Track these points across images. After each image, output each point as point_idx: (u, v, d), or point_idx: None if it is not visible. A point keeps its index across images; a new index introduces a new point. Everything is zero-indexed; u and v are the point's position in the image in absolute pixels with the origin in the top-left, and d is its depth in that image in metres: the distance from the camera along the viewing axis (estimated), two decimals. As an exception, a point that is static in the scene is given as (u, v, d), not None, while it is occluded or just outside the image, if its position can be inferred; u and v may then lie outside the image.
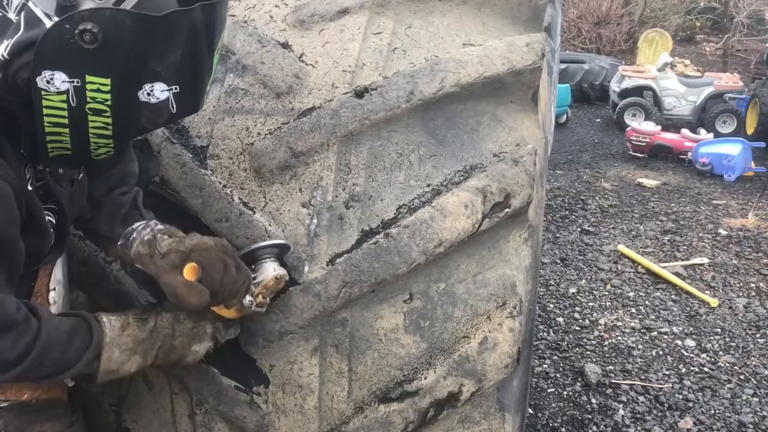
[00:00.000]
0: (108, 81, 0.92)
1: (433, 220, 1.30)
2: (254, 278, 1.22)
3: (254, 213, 1.34)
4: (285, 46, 1.48)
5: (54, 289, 1.24)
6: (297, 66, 1.43)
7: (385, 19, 1.53)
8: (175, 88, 0.97)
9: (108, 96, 0.93)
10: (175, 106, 0.99)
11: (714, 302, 4.15)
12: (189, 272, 1.14)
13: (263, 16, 1.56)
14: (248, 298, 1.20)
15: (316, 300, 1.26)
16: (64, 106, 0.93)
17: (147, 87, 0.95)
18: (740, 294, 4.34)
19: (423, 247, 1.28)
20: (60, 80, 0.90)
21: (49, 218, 1.12)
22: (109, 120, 0.96)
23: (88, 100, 0.93)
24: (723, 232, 5.46)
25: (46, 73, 0.90)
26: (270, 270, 1.23)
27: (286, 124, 1.37)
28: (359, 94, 1.37)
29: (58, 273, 1.26)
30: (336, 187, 1.33)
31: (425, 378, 1.29)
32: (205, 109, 1.45)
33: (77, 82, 0.91)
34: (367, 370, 1.28)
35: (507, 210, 1.37)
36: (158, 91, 0.96)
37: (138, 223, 1.26)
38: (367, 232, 1.30)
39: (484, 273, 1.36)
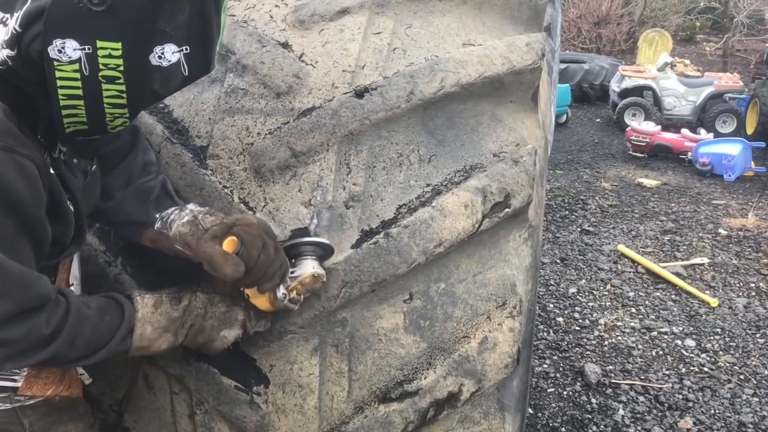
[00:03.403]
0: (119, 45, 0.92)
1: (433, 220, 1.30)
2: (292, 272, 1.22)
3: (254, 213, 1.34)
4: (285, 46, 1.48)
5: (72, 284, 1.25)
6: (297, 66, 1.43)
7: (385, 19, 1.53)
8: (186, 49, 0.97)
9: (120, 61, 0.93)
10: (186, 68, 0.99)
11: (714, 302, 4.15)
12: (228, 244, 1.14)
13: (263, 16, 1.56)
14: (282, 290, 1.19)
15: (316, 300, 1.26)
16: (77, 75, 0.92)
17: (158, 50, 0.95)
18: (740, 294, 4.34)
19: (423, 247, 1.28)
20: (71, 48, 0.90)
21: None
22: (123, 87, 0.96)
23: (101, 67, 0.92)
24: (723, 232, 5.46)
25: (57, 42, 0.89)
26: (309, 267, 1.22)
27: (286, 124, 1.37)
28: (359, 94, 1.37)
29: (75, 269, 1.27)
30: (336, 187, 1.33)
31: (425, 378, 1.29)
32: (205, 109, 1.45)
33: (88, 48, 0.91)
34: (367, 370, 1.28)
35: (507, 210, 1.37)
36: (169, 53, 0.96)
37: (174, 207, 1.26)
38: (367, 232, 1.30)
39: (484, 273, 1.36)
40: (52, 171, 1.05)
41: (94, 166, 1.21)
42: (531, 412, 3.03)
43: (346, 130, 1.35)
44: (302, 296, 1.23)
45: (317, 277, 1.22)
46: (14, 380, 1.13)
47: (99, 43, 0.91)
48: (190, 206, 1.24)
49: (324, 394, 1.28)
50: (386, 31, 1.50)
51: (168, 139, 1.43)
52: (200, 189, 1.37)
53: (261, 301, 1.21)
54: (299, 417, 1.28)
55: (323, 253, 1.26)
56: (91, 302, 1.08)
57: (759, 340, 3.76)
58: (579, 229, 5.52)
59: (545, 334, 3.79)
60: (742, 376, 3.38)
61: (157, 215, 1.25)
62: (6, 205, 0.93)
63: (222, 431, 1.33)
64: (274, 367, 1.29)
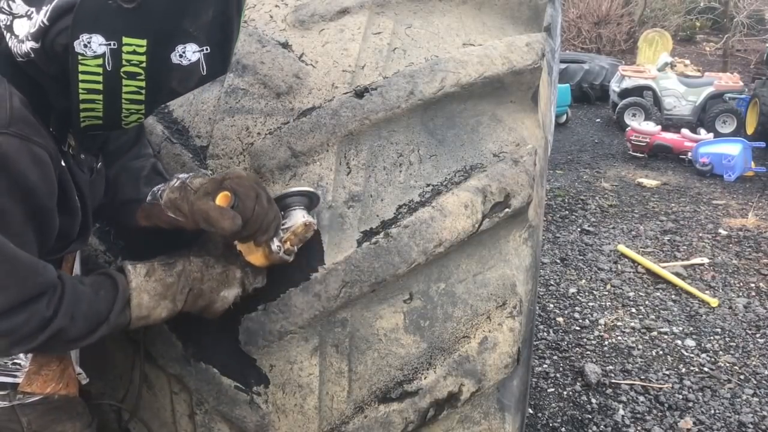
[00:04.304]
0: (144, 42, 0.94)
1: (433, 220, 1.30)
2: (283, 224, 1.22)
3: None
4: (285, 46, 1.48)
5: (77, 276, 1.25)
6: (297, 66, 1.43)
7: (385, 19, 1.53)
8: (206, 49, 0.99)
9: (143, 58, 0.95)
10: (205, 67, 1.01)
11: (714, 302, 4.15)
12: (222, 200, 1.14)
13: (263, 16, 1.56)
14: (276, 242, 1.19)
15: (316, 300, 1.26)
16: (100, 70, 0.94)
17: (180, 48, 0.97)
18: (740, 294, 4.34)
19: (423, 247, 1.28)
20: (97, 43, 0.92)
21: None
22: (143, 84, 0.98)
23: (124, 63, 0.94)
24: (723, 232, 5.46)
25: (84, 37, 0.91)
26: (299, 216, 1.22)
27: (286, 124, 1.37)
28: (359, 94, 1.37)
29: (77, 267, 1.28)
30: (336, 187, 1.33)
31: (425, 378, 1.29)
32: (205, 109, 1.45)
33: (114, 44, 0.93)
34: (367, 370, 1.28)
35: (507, 210, 1.37)
36: (190, 53, 0.98)
37: (164, 183, 1.26)
38: (367, 232, 1.30)
39: (484, 273, 1.36)
40: (63, 163, 1.06)
41: (100, 163, 1.22)
42: (531, 412, 3.03)
43: (346, 130, 1.35)
44: (296, 247, 1.23)
45: (308, 225, 1.22)
46: (15, 376, 1.13)
47: (125, 40, 0.93)
48: (177, 174, 1.25)
49: (324, 394, 1.28)
50: (386, 31, 1.50)
51: (168, 139, 1.43)
52: (200, 189, 1.37)
53: (256, 257, 1.21)
54: (299, 417, 1.28)
55: (309, 202, 1.26)
56: (84, 280, 1.09)
57: (759, 340, 3.76)
58: (579, 229, 5.52)
59: (545, 334, 3.79)
60: (742, 376, 3.38)
61: (148, 191, 1.26)
62: (18, 192, 0.94)
63: (222, 431, 1.33)
64: (274, 367, 1.29)
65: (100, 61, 0.93)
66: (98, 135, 1.18)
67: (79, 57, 0.93)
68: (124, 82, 0.97)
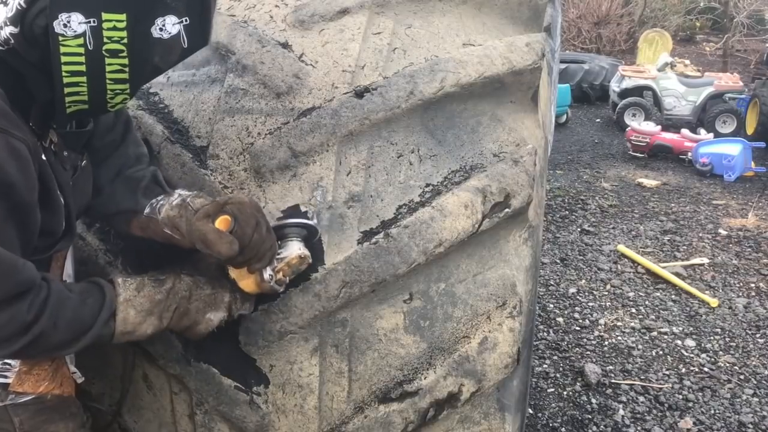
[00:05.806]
0: (123, 17, 0.93)
1: (433, 220, 1.30)
2: (279, 254, 1.21)
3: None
4: (285, 46, 1.48)
5: (65, 282, 1.23)
6: (297, 66, 1.43)
7: (385, 19, 1.53)
8: (186, 20, 0.99)
9: (123, 33, 0.94)
10: (186, 40, 1.01)
11: (714, 302, 4.15)
12: (221, 223, 1.13)
13: (263, 16, 1.56)
14: (269, 271, 1.18)
15: (316, 300, 1.26)
16: (82, 50, 0.94)
17: (159, 21, 0.97)
18: (740, 294, 4.34)
19: (423, 247, 1.28)
20: (77, 22, 0.91)
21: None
22: (126, 61, 0.97)
23: (105, 40, 0.94)
24: (723, 232, 5.46)
25: (63, 16, 0.91)
26: (295, 248, 1.21)
27: (286, 124, 1.37)
28: (359, 94, 1.37)
29: (69, 267, 1.26)
30: (336, 187, 1.33)
31: (425, 378, 1.29)
32: (205, 109, 1.45)
33: (93, 21, 0.92)
34: (367, 370, 1.28)
35: (507, 210, 1.37)
36: (170, 25, 0.98)
37: (163, 195, 1.25)
38: (367, 232, 1.30)
39: (484, 273, 1.36)
40: (43, 157, 1.04)
41: (84, 161, 1.20)
42: (531, 412, 3.03)
43: (346, 130, 1.35)
44: (287, 278, 1.22)
45: (303, 258, 1.21)
46: (5, 376, 1.12)
47: (104, 15, 0.92)
48: (179, 191, 1.24)
49: (324, 394, 1.28)
50: (386, 31, 1.50)
51: (168, 139, 1.43)
52: (200, 189, 1.37)
53: (247, 283, 1.20)
54: (299, 417, 1.28)
55: (308, 234, 1.26)
56: (72, 286, 1.07)
57: (759, 340, 3.76)
58: (579, 229, 5.52)
59: (545, 334, 3.79)
60: (742, 376, 3.38)
61: (147, 203, 1.24)
62: None
63: (222, 431, 1.33)
64: (274, 367, 1.29)
65: (81, 40, 0.92)
66: (82, 133, 1.16)
67: (60, 38, 0.92)
68: (107, 60, 0.96)
